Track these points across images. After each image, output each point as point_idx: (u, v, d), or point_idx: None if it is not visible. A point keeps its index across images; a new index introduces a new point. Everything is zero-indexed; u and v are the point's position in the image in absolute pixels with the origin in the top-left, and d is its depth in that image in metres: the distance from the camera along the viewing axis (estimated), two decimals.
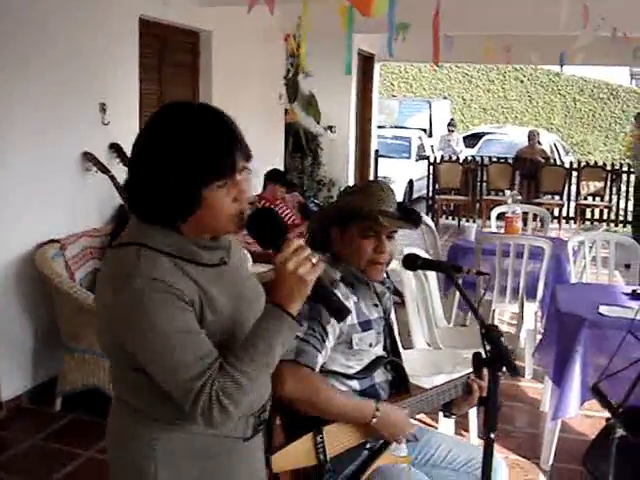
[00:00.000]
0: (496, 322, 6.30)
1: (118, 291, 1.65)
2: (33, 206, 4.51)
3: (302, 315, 2.27)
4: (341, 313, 1.76)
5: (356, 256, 2.43)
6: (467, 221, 11.76)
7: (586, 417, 4.36)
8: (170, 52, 6.29)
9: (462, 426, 4.08)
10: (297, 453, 2.20)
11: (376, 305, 2.52)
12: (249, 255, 5.60)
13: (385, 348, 2.57)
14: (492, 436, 1.83)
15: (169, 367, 1.62)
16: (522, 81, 25.66)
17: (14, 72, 4.34)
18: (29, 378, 4.61)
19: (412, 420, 3.68)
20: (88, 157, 4.92)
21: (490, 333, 1.83)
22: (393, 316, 3.86)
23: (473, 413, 4.06)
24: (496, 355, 1.81)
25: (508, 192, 8.50)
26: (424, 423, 4.23)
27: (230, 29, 6.78)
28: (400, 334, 4.25)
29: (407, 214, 2.52)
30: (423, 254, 4.48)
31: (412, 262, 2.41)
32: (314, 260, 1.65)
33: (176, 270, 1.67)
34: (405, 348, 4.23)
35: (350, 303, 2.38)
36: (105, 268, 1.76)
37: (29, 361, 4.61)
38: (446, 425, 3.67)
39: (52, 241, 4.53)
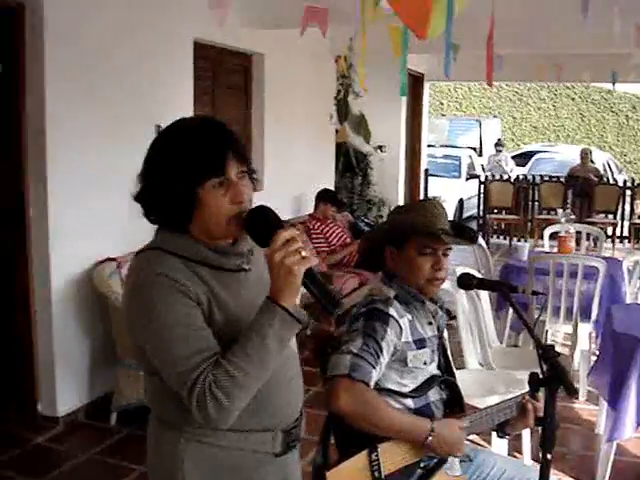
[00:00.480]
0: (549, 343, 6.23)
1: (128, 291, 1.77)
2: (91, 225, 4.62)
3: (357, 332, 2.31)
4: (334, 303, 1.68)
5: (414, 274, 2.45)
6: (518, 240, 11.62)
7: None
8: (223, 74, 6.40)
9: (515, 447, 4.03)
10: (352, 471, 2.21)
11: (430, 323, 2.53)
12: None
13: (439, 367, 2.57)
14: (549, 457, 1.82)
15: (168, 359, 1.67)
16: (573, 99, 25.39)
17: (72, 94, 4.47)
18: (85, 394, 4.71)
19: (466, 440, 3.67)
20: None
21: (547, 353, 1.83)
22: (446, 335, 3.88)
23: (527, 433, 4.02)
24: (553, 375, 1.80)
25: (561, 211, 8.41)
26: (476, 444, 4.20)
27: (282, 51, 6.88)
28: (452, 355, 4.25)
29: (462, 231, 2.54)
30: (476, 274, 4.49)
31: (467, 282, 2.42)
32: (304, 253, 1.63)
33: (186, 269, 1.72)
34: (457, 368, 4.21)
35: (405, 321, 2.40)
36: (126, 276, 1.85)
37: (85, 377, 4.71)
38: (499, 446, 3.63)
39: (109, 259, 4.63)
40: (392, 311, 2.37)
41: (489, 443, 3.93)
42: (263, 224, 1.70)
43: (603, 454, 3.84)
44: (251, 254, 1.86)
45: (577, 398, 5.03)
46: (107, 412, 4.56)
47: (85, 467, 4.09)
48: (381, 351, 2.30)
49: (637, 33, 4.65)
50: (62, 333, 4.52)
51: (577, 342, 5.23)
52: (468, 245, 2.58)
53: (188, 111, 5.62)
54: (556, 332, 6.38)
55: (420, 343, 2.44)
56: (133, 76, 4.97)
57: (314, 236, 7.12)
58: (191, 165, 1.71)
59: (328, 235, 7.15)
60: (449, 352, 3.89)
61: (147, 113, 5.10)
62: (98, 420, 4.59)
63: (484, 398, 3.62)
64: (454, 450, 2.31)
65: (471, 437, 4.08)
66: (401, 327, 2.38)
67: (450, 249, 2.50)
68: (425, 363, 2.44)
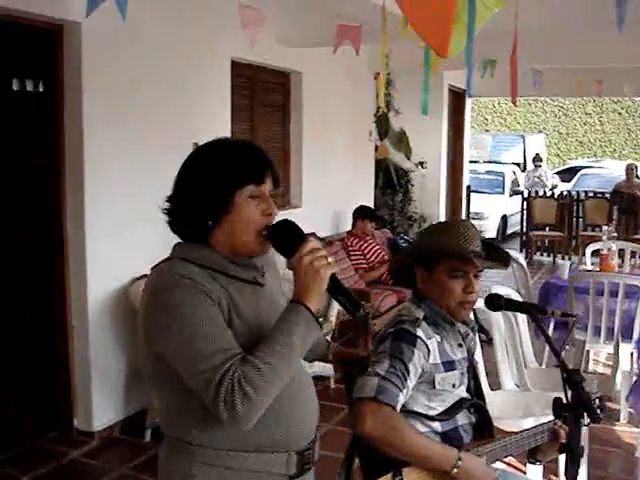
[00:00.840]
0: (591, 363, 6.11)
1: (148, 296, 1.77)
2: (128, 242, 4.67)
3: (384, 353, 2.28)
4: (356, 305, 1.81)
5: (445, 297, 2.41)
6: (562, 258, 11.46)
7: None
8: (261, 92, 6.45)
9: (551, 471, 3.95)
10: None
11: (460, 345, 2.48)
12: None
13: (469, 390, 2.52)
14: None
15: (192, 357, 1.67)
16: (620, 113, 25.04)
17: (112, 111, 4.54)
18: (121, 409, 4.74)
19: (497, 464, 3.60)
20: None
21: (571, 377, 1.78)
22: (480, 357, 3.82)
23: (563, 458, 3.93)
24: (577, 401, 1.75)
25: (605, 228, 8.27)
26: (512, 466, 4.13)
27: (320, 69, 6.91)
28: (488, 375, 4.19)
29: (495, 252, 2.49)
30: (512, 293, 4.41)
31: (495, 303, 2.37)
32: (330, 260, 1.75)
33: (206, 275, 1.76)
34: (493, 389, 4.15)
35: (433, 343, 2.36)
36: (145, 286, 1.84)
37: (121, 393, 4.75)
38: (535, 470, 3.56)
39: (146, 276, 4.65)
40: (420, 332, 2.34)
41: (525, 465, 3.87)
42: (289, 234, 1.81)
43: None
44: (263, 271, 1.91)
45: (618, 420, 4.92)
46: (142, 428, 4.59)
47: None
48: (408, 373, 2.25)
49: None
50: (99, 349, 4.57)
51: (618, 363, 5.12)
52: (501, 268, 2.53)
53: (226, 129, 5.67)
54: (599, 352, 6.27)
55: (449, 365, 2.39)
56: (171, 95, 5.02)
57: (352, 253, 7.10)
58: (234, 167, 1.80)
59: (366, 252, 7.13)
60: (482, 375, 3.87)
61: (185, 131, 5.15)
62: (133, 436, 4.63)
63: (519, 420, 3.56)
64: None
65: (506, 460, 4.04)
66: (429, 349, 2.34)
67: (481, 271, 2.45)
68: (454, 386, 2.40)
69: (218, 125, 5.55)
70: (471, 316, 2.74)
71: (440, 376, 2.35)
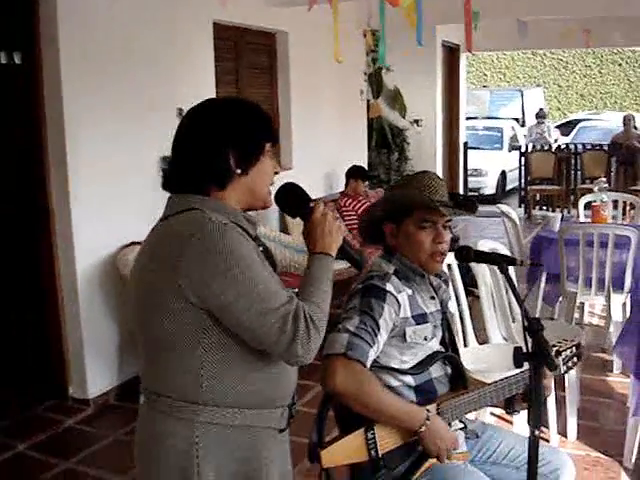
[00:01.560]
0: (586, 315, 6.11)
1: (190, 244, 1.71)
2: (114, 210, 4.66)
3: (354, 309, 2.28)
4: (360, 263, 2.04)
5: (415, 249, 2.40)
6: (562, 211, 11.41)
7: None
8: (246, 54, 6.38)
9: (543, 423, 3.97)
10: (348, 449, 2.20)
11: (432, 298, 2.48)
12: None
13: (443, 342, 2.53)
14: (537, 433, 1.78)
15: (263, 296, 1.71)
16: (620, 64, 24.76)
17: (92, 79, 4.49)
18: (115, 376, 4.78)
19: (486, 418, 3.62)
20: (167, 161, 5.03)
21: (532, 326, 1.78)
22: (455, 309, 3.83)
23: (553, 411, 3.95)
24: (537, 350, 1.75)
25: (604, 179, 8.23)
26: (501, 419, 4.16)
27: (306, 28, 6.81)
28: (476, 328, 4.20)
29: (462, 201, 2.48)
30: (500, 247, 4.40)
31: (464, 255, 2.36)
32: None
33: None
34: (481, 343, 4.16)
35: (403, 296, 2.36)
36: (159, 235, 1.83)
37: (115, 360, 4.78)
38: (522, 423, 3.57)
39: (133, 244, 4.67)
40: (389, 287, 2.33)
41: (511, 423, 3.91)
42: (296, 198, 1.98)
43: (630, 428, 3.75)
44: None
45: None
46: (137, 393, 4.60)
47: (113, 447, 4.16)
48: (378, 329, 2.25)
49: None
50: (90, 317, 4.59)
51: (611, 314, 5.12)
52: (469, 215, 2.52)
53: (210, 92, 5.63)
54: (594, 305, 6.27)
55: (421, 318, 2.39)
56: (152, 60, 4.97)
57: (345, 213, 7.07)
58: (262, 123, 1.91)
59: (360, 212, 7.10)
60: (459, 327, 3.88)
61: (168, 96, 5.12)
62: (128, 401, 4.66)
63: (504, 372, 3.56)
64: (442, 451, 2.24)
65: (495, 412, 4.07)
66: (399, 302, 2.33)
67: (450, 221, 2.44)
68: (426, 339, 2.40)
69: (202, 89, 5.50)
70: (445, 268, 2.74)
71: (411, 329, 2.35)
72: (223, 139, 1.83)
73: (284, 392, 1.90)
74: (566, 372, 2.70)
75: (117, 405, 4.70)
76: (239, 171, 1.83)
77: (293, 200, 1.99)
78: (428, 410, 2.25)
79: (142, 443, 1.90)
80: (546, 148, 12.64)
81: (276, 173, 1.93)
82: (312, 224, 1.91)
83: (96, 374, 4.65)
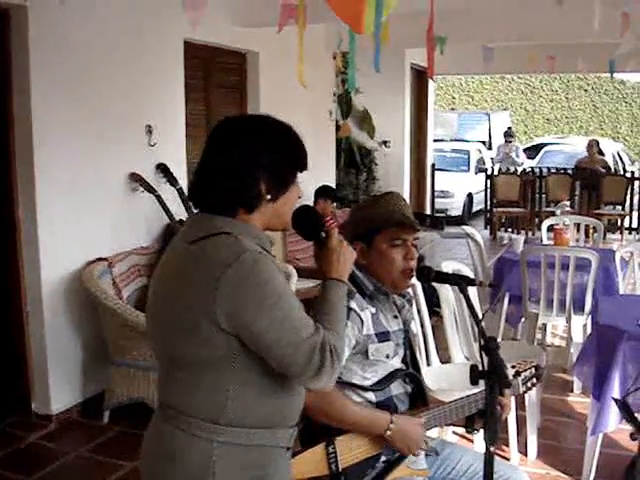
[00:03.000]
0: (549, 336, 6.20)
1: (226, 273, 1.72)
2: (81, 225, 4.66)
3: None
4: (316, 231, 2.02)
5: (388, 267, 2.45)
6: (526, 234, 11.57)
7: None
8: (216, 73, 6.42)
9: (504, 442, 4.04)
10: (308, 462, 2.23)
11: (396, 317, 2.53)
12: (294, 271, 5.69)
13: (405, 361, 2.57)
14: (492, 449, 1.83)
15: (294, 325, 1.75)
16: (586, 90, 25.23)
17: (60, 95, 4.50)
18: (79, 392, 4.75)
19: (449, 437, 3.67)
20: (135, 177, 5.06)
21: (488, 344, 1.83)
22: (418, 329, 3.88)
23: (513, 429, 4.01)
24: (492, 367, 1.81)
25: (561, 203, 8.39)
26: (463, 437, 4.21)
27: (276, 49, 6.85)
28: (440, 348, 4.25)
29: (427, 220, 2.55)
30: (463, 268, 4.48)
31: (425, 274, 2.42)
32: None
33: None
34: (444, 362, 4.22)
35: (366, 314, 2.41)
36: (193, 259, 1.80)
37: (79, 376, 4.76)
38: (482, 441, 3.62)
39: (100, 259, 4.67)
40: (353, 304, 2.38)
41: (472, 441, 3.96)
42: (311, 222, 2.03)
43: (589, 447, 3.82)
44: None
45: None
46: (100, 410, 4.60)
47: (75, 464, 4.13)
48: None
49: (625, 21, 4.61)
50: (54, 334, 4.56)
51: (571, 335, 5.21)
52: (437, 232, 2.60)
53: (180, 110, 5.66)
54: (557, 326, 6.36)
55: (383, 336, 2.44)
56: (122, 77, 4.99)
57: None
58: (298, 152, 1.95)
59: None
60: (421, 346, 3.93)
61: (137, 114, 5.14)
62: (91, 418, 4.64)
63: (465, 391, 3.61)
64: (412, 446, 2.31)
65: (456, 430, 4.11)
66: (362, 320, 2.38)
67: (417, 239, 2.51)
68: (388, 356, 2.44)
69: (172, 107, 5.54)
70: (410, 290, 2.80)
71: (374, 347, 2.40)
72: (259, 164, 1.85)
73: (296, 411, 1.94)
74: (525, 392, 2.77)
75: (80, 421, 4.66)
76: (269, 197, 1.86)
77: (310, 223, 2.03)
78: (391, 413, 2.30)
79: (155, 457, 1.90)
80: (512, 170, 12.80)
81: (299, 197, 1.97)
82: (329, 250, 1.96)
83: (59, 390, 4.62)
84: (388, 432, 2.27)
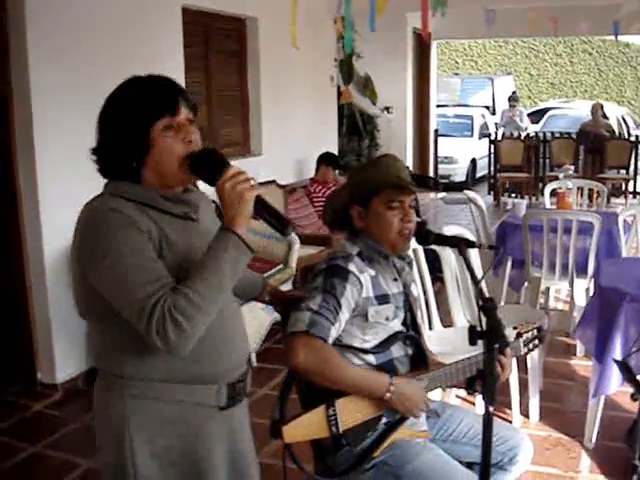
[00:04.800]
0: (552, 300, 6.21)
1: (80, 232, 1.79)
2: (82, 198, 4.59)
3: (317, 289, 2.32)
4: (284, 225, 1.80)
5: (385, 229, 2.44)
6: (530, 199, 11.53)
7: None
8: (216, 40, 6.37)
9: (506, 404, 4.06)
10: (309, 425, 2.24)
11: (395, 280, 2.52)
12: (296, 238, 5.68)
13: (405, 323, 2.57)
14: (491, 409, 1.83)
15: (124, 288, 1.70)
16: (590, 53, 24.96)
17: (58, 69, 4.47)
18: (84, 361, 4.78)
19: (451, 399, 3.69)
20: None
21: (486, 305, 1.83)
22: (419, 291, 3.89)
23: (516, 392, 4.03)
24: (490, 327, 1.80)
25: (571, 167, 8.36)
26: (465, 401, 4.23)
27: (276, 14, 6.81)
28: (443, 313, 4.26)
29: (424, 180, 2.54)
30: (465, 233, 4.46)
31: (424, 237, 2.42)
32: (252, 182, 1.76)
33: (136, 209, 1.78)
34: (445, 326, 4.23)
35: (366, 277, 2.40)
36: (76, 223, 1.85)
37: (83, 345, 4.77)
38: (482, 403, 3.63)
39: None
40: (352, 267, 2.38)
41: (474, 404, 3.98)
42: (211, 162, 1.80)
43: (591, 409, 3.84)
44: (197, 207, 1.93)
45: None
46: None
47: (81, 432, 4.17)
48: (340, 307, 2.30)
49: None
50: (58, 304, 4.57)
51: (574, 298, 5.21)
52: (432, 192, 2.59)
53: (180, 78, 5.58)
54: (560, 290, 6.37)
55: (383, 299, 2.44)
56: (120, 47, 4.94)
57: (315, 199, 7.11)
58: (144, 105, 1.81)
59: None
60: (423, 308, 3.94)
61: None
62: None
63: (467, 354, 3.62)
64: (413, 408, 2.31)
65: (455, 398, 4.14)
66: (362, 283, 2.38)
67: (415, 201, 2.50)
68: (387, 319, 2.44)
69: (171, 74, 5.43)
70: (410, 252, 2.79)
71: (373, 309, 2.40)
72: (111, 137, 1.84)
73: (214, 370, 1.88)
74: (527, 354, 2.77)
75: (85, 390, 4.69)
76: (135, 164, 1.82)
77: (206, 165, 1.81)
78: (391, 376, 2.30)
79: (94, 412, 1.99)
80: (517, 134, 12.72)
81: (188, 142, 1.82)
82: (218, 194, 1.76)
83: (64, 359, 4.65)
84: (388, 394, 2.27)
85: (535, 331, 2.75)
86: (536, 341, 2.75)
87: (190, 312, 1.67)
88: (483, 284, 4.65)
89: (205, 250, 1.76)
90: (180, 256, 1.81)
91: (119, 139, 1.81)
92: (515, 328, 2.72)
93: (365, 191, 2.47)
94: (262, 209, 1.78)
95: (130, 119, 1.80)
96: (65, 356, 4.65)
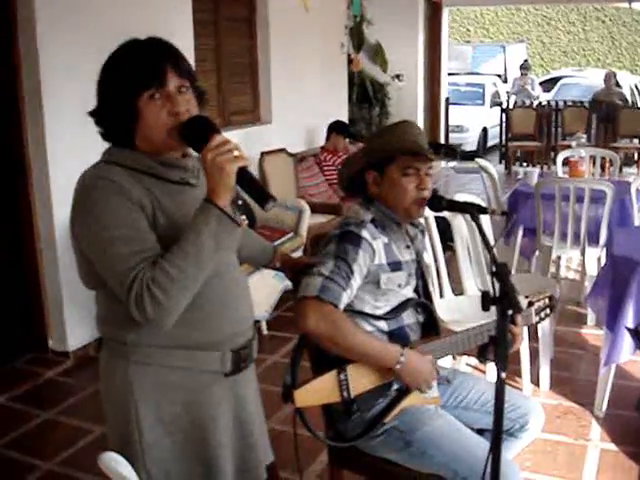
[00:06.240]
0: (563, 269, 6.19)
1: (73, 201, 1.79)
2: (91, 159, 4.61)
3: (329, 254, 2.30)
4: (265, 198, 1.72)
5: (400, 196, 2.41)
6: (542, 168, 11.45)
7: None
8: (226, 6, 6.30)
9: (517, 373, 4.05)
10: (320, 389, 2.23)
11: (408, 247, 2.51)
12: (307, 206, 5.66)
13: (417, 290, 2.56)
14: (503, 375, 1.82)
15: (108, 260, 1.70)
16: (604, 21, 24.62)
17: (66, 32, 4.44)
18: (94, 328, 4.77)
19: (463, 367, 3.69)
20: None
21: (498, 271, 1.81)
22: (431, 260, 3.87)
23: (527, 361, 4.02)
24: (503, 294, 1.79)
25: (583, 136, 8.28)
26: (476, 369, 4.23)
27: None
28: (454, 281, 4.25)
29: (441, 148, 2.51)
30: (476, 200, 4.43)
31: (437, 204, 2.39)
32: (236, 153, 1.68)
33: (129, 177, 1.76)
34: (456, 294, 4.22)
35: (379, 243, 2.38)
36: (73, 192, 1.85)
37: (94, 312, 4.77)
38: (494, 371, 3.63)
39: None
40: (365, 233, 2.35)
41: (485, 372, 3.98)
42: (199, 131, 1.74)
43: (601, 378, 3.83)
44: (197, 172, 1.90)
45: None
46: None
47: (93, 399, 4.16)
48: (352, 273, 2.28)
49: None
50: (68, 271, 4.54)
51: (586, 268, 5.19)
52: (450, 161, 2.56)
53: (189, 45, 5.57)
54: (571, 259, 6.35)
55: (395, 266, 2.42)
56: (129, 12, 4.90)
57: (325, 168, 7.08)
58: (128, 76, 1.77)
59: (339, 166, 7.09)
60: (434, 276, 3.93)
61: None
62: None
63: (478, 322, 3.61)
64: (421, 382, 2.29)
65: (466, 366, 4.14)
66: (374, 249, 2.36)
67: (431, 168, 2.46)
68: (399, 286, 2.43)
69: (180, 42, 5.31)
70: (422, 220, 2.77)
71: (386, 276, 2.38)
72: (104, 103, 1.82)
73: (216, 335, 1.87)
74: (538, 322, 2.75)
75: (96, 357, 4.70)
76: (127, 131, 1.80)
77: (194, 133, 1.75)
78: (402, 347, 2.29)
79: (100, 380, 1.99)
80: (528, 103, 12.61)
81: (175, 114, 1.76)
82: (202, 160, 1.70)
83: (75, 327, 4.67)
84: (398, 365, 2.25)
85: (546, 300, 2.73)
86: (547, 310, 2.73)
87: (168, 286, 1.65)
88: (495, 252, 4.66)
89: None
90: (175, 223, 1.78)
91: (109, 105, 1.80)
92: (526, 297, 2.71)
93: (381, 157, 2.44)
94: (243, 181, 1.70)
95: (118, 87, 1.78)
96: (76, 323, 4.67)
